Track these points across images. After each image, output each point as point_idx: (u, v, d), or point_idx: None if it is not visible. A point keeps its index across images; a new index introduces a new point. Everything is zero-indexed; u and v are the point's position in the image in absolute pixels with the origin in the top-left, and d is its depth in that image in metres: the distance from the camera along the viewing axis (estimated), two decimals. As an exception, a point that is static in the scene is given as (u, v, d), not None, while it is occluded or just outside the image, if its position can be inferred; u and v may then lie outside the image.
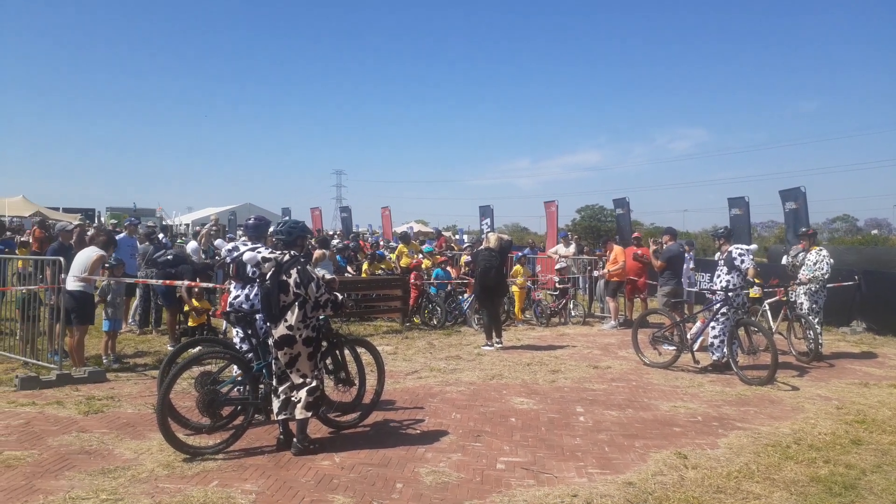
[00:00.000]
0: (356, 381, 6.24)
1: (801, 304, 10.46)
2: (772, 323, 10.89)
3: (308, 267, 5.55)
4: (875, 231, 62.18)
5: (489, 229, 22.80)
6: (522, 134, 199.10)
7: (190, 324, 9.78)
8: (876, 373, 9.26)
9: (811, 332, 9.96)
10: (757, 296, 9.18)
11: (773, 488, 4.90)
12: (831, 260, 10.52)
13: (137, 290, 11.04)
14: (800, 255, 11.02)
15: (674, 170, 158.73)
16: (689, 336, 9.30)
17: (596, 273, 14.99)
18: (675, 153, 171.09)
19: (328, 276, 6.07)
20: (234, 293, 6.43)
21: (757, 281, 9.00)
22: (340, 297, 5.66)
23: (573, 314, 14.16)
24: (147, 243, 11.35)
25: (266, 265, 5.55)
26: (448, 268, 14.59)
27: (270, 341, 5.53)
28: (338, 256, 14.84)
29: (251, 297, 6.28)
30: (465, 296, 13.58)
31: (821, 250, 10.58)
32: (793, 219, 15.54)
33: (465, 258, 15.42)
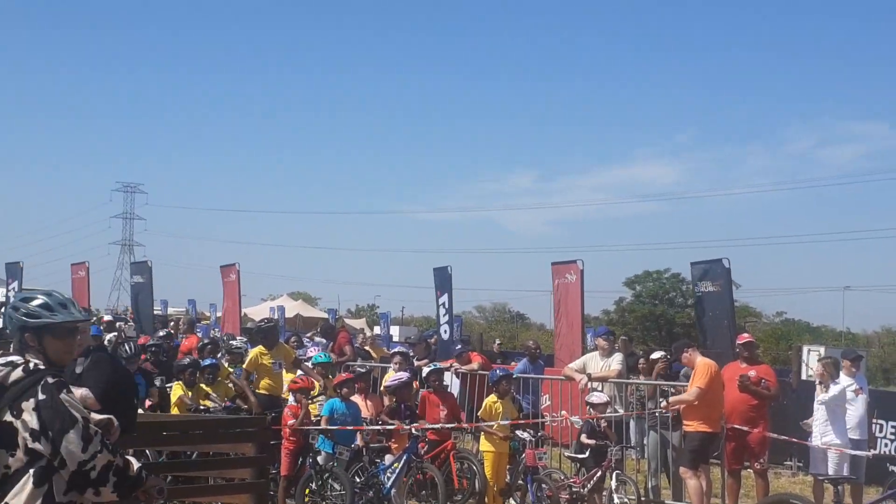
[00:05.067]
0: None
1: None
2: None
3: (66, 395, 5.43)
4: None
5: (445, 313, 22.99)
6: (523, 126, 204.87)
7: None
8: None
9: None
10: None
11: None
12: None
13: None
14: None
15: (814, 201, 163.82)
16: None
17: (662, 410, 15.08)
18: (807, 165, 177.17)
19: (99, 416, 5.94)
20: None
21: None
22: (134, 462, 5.58)
23: (616, 501, 14.04)
24: None
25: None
26: (360, 398, 14.65)
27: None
28: None
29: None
30: (388, 459, 13.61)
31: None
32: None
33: (389, 376, 15.39)
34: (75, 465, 5.31)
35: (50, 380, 5.43)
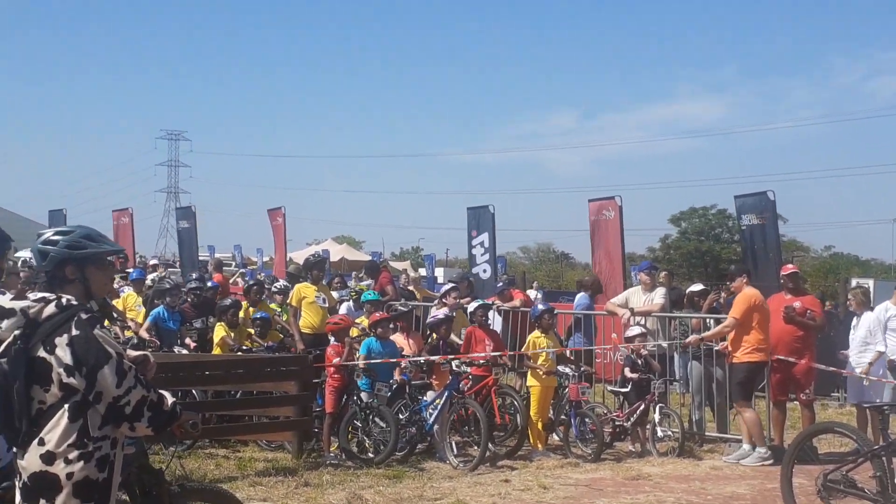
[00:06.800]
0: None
1: None
2: None
3: (99, 331, 5.43)
4: None
5: (484, 252, 22.87)
6: (565, 66, 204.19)
7: None
8: None
9: None
10: None
11: None
12: None
13: None
14: None
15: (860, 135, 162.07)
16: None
17: (688, 339, 14.99)
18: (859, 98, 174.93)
19: (136, 352, 5.97)
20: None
21: None
22: (168, 397, 5.60)
23: (660, 434, 14.14)
24: None
25: (2, 326, 5.41)
26: (402, 336, 14.77)
27: (18, 483, 5.40)
28: (160, 308, 15.40)
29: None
30: (430, 395, 13.71)
31: None
32: None
33: (435, 311, 15.49)
34: (109, 398, 5.35)
35: (83, 315, 5.44)
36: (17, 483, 5.43)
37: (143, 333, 15.20)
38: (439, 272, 58.73)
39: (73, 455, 5.30)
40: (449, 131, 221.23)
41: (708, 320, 15.57)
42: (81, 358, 5.32)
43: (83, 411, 5.35)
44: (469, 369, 13.96)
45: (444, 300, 17.01)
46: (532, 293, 28.44)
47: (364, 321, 15.39)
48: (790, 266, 15.69)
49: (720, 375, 14.84)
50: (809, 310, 14.20)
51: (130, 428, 5.46)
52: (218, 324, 15.02)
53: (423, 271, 52.43)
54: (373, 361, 13.64)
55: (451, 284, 18.47)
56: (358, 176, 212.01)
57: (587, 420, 13.97)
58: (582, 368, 15.02)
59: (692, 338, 14.60)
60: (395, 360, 13.93)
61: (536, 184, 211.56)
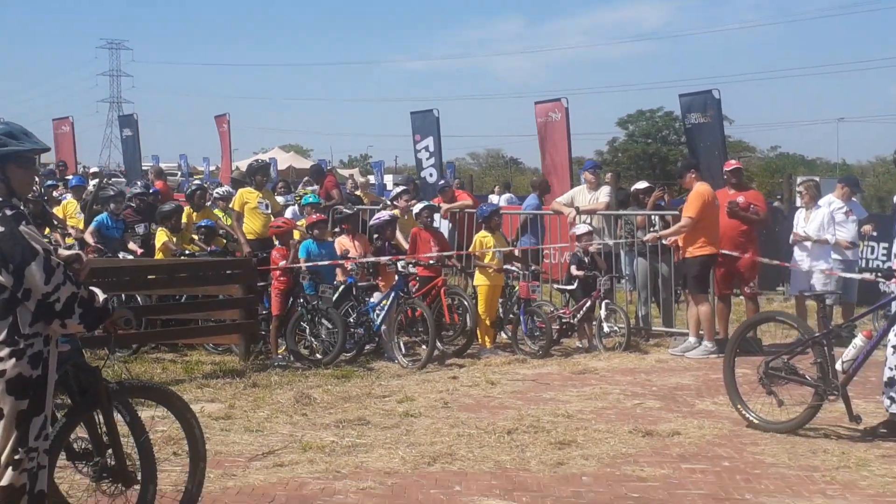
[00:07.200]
0: (138, 475, 6.16)
1: None
2: None
3: (26, 227, 5.37)
4: None
5: (430, 157, 22.79)
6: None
7: None
8: None
9: None
10: None
11: None
12: None
13: None
14: None
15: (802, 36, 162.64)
16: (840, 365, 9.38)
17: (646, 236, 15.11)
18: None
19: (68, 251, 5.90)
20: None
21: None
22: (100, 294, 5.56)
23: (606, 329, 14.31)
24: None
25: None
26: (348, 239, 14.80)
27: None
28: (104, 215, 15.34)
29: None
30: (377, 297, 13.77)
31: None
32: None
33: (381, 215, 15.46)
34: (39, 296, 5.30)
35: (8, 211, 5.36)
36: None
37: (88, 237, 15.11)
38: (388, 179, 58.54)
39: (3, 352, 5.30)
40: (396, 38, 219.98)
41: (653, 217, 15.63)
42: (7, 255, 5.28)
43: (12, 308, 5.33)
44: (415, 270, 14.03)
45: (395, 203, 16.97)
46: (494, 198, 28.78)
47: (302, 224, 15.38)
48: (733, 162, 15.79)
49: (665, 271, 15.04)
50: (753, 204, 14.32)
51: (62, 325, 5.44)
52: (159, 229, 14.97)
53: (372, 178, 52.25)
54: (318, 263, 13.68)
55: (401, 187, 18.36)
56: (305, 84, 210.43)
57: (535, 317, 14.13)
58: (532, 268, 15.11)
59: (650, 235, 14.66)
60: (341, 261, 13.97)
61: (485, 89, 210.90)
